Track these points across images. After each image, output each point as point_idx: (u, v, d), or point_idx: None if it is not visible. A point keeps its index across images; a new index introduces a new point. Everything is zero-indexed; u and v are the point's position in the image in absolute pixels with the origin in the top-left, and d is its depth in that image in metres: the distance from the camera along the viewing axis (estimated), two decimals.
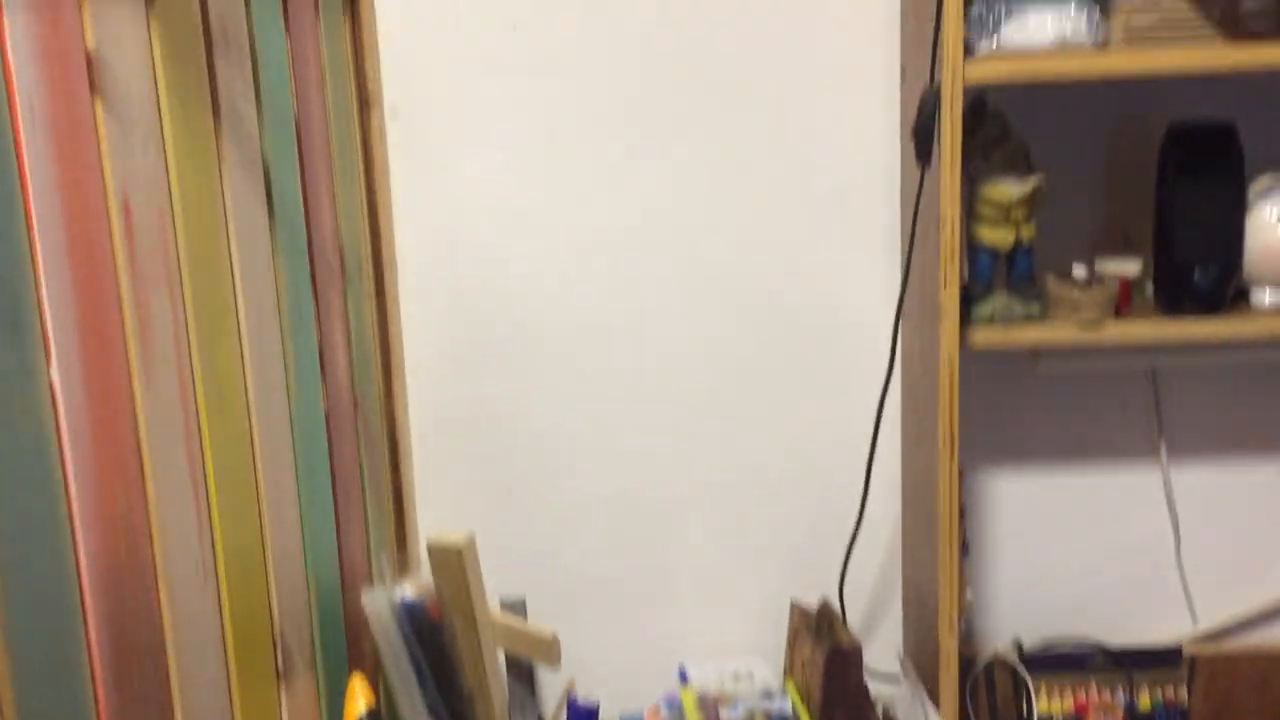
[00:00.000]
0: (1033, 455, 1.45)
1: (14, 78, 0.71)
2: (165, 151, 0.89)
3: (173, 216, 0.90)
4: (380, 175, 1.36)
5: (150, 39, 0.87)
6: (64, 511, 0.75)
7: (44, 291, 0.74)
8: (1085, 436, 1.44)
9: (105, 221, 0.81)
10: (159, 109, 0.88)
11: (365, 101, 1.33)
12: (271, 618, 1.06)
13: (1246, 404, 1.43)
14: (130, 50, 0.85)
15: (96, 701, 0.78)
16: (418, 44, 1.36)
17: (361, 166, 1.33)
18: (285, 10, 1.13)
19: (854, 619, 1.46)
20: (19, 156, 0.72)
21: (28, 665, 0.71)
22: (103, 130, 0.81)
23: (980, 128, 1.25)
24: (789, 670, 1.45)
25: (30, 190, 0.72)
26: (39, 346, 0.73)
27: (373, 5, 1.33)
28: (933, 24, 1.13)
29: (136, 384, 0.84)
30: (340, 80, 1.27)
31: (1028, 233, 1.27)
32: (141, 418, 0.84)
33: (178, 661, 0.88)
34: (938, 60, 1.13)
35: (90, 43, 0.80)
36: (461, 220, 1.39)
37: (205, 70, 0.95)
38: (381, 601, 1.29)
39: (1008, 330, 1.27)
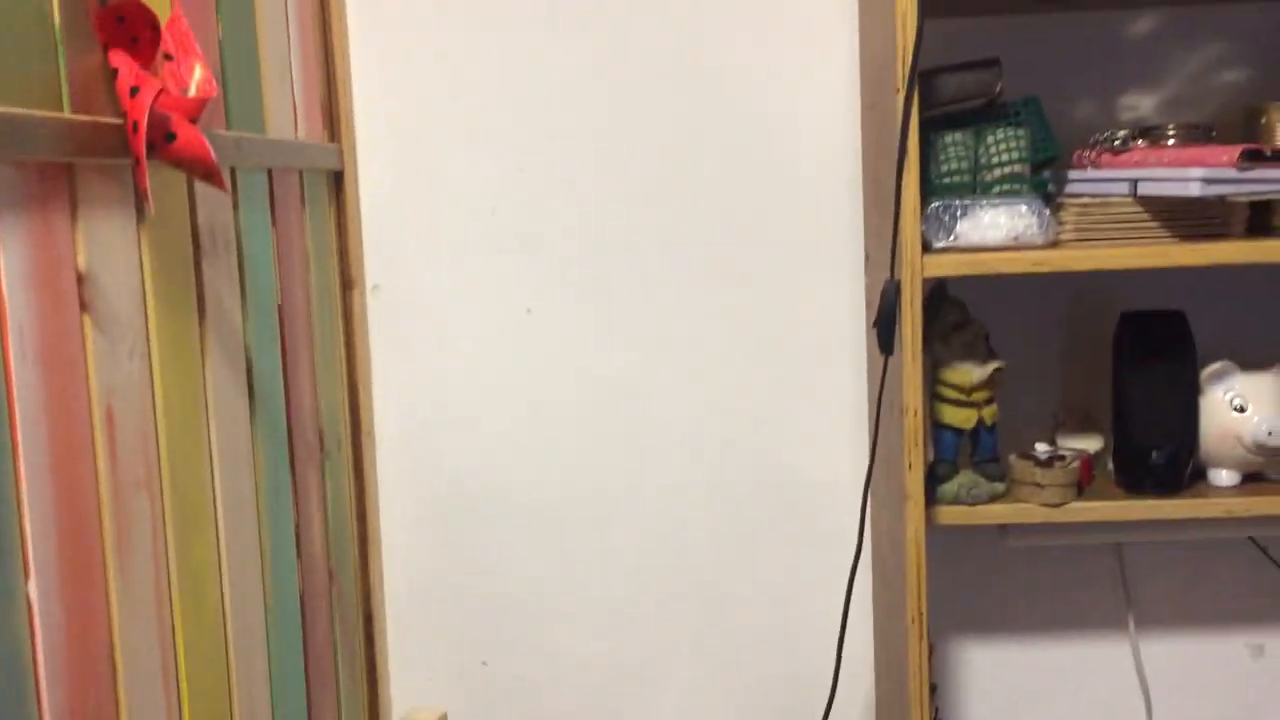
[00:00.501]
0: (1005, 627, 1.46)
1: (6, 302, 0.75)
2: (150, 358, 0.92)
3: (155, 419, 0.93)
4: (360, 351, 1.40)
5: (140, 253, 0.92)
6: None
7: (25, 509, 0.76)
8: (1055, 609, 1.46)
9: (89, 432, 0.84)
10: (146, 319, 0.92)
11: (348, 282, 1.37)
12: None
13: (1211, 577, 1.45)
14: (121, 266, 0.89)
15: None
16: (399, 227, 1.41)
17: (343, 344, 1.37)
18: (272, 205, 1.18)
19: None
20: (7, 379, 0.75)
21: None
22: (90, 346, 0.84)
23: (940, 313, 1.29)
24: None
25: (16, 411, 0.75)
26: (18, 563, 0.75)
27: (357, 193, 1.39)
28: (891, 221, 1.19)
29: (113, 588, 0.86)
30: (324, 264, 1.31)
31: (989, 414, 1.31)
32: (116, 621, 0.86)
33: None
34: (897, 256, 1.18)
35: (82, 263, 0.84)
36: (438, 393, 1.43)
37: (193, 274, 0.99)
38: None
39: (973, 509, 1.30)
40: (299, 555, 1.22)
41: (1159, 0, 1.34)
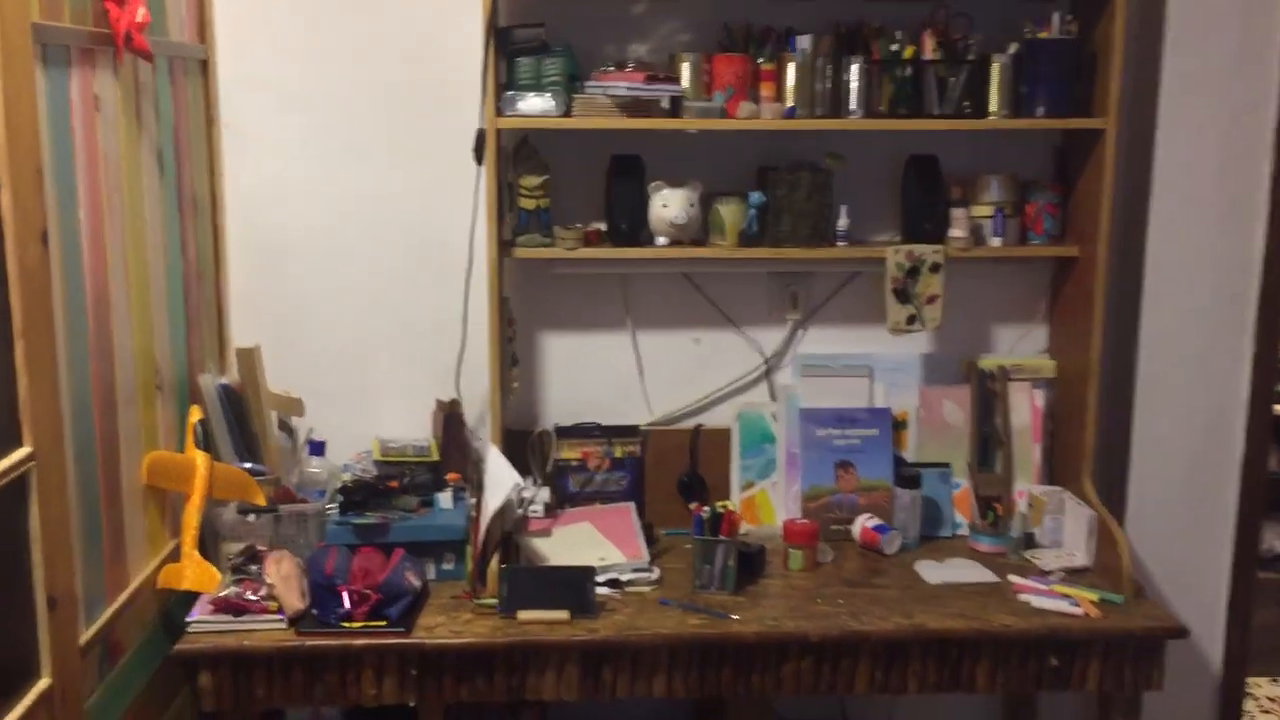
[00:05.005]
0: (559, 323, 2.76)
1: (74, 102, 1.92)
2: (121, 139, 2.10)
3: (124, 172, 2.10)
4: (217, 157, 2.59)
5: (118, 87, 2.09)
6: None
7: (81, 205, 1.95)
8: (588, 310, 2.75)
9: (98, 170, 2.01)
10: (120, 122, 2.09)
11: (210, 120, 2.56)
12: (156, 368, 2.26)
13: (670, 297, 2.75)
14: (110, 92, 2.06)
15: None
16: (239, 90, 2.59)
17: (207, 152, 2.55)
18: (171, 73, 2.34)
19: (469, 408, 2.73)
20: (71, 137, 1.92)
21: None
22: (97, 127, 2.01)
23: (519, 150, 2.55)
24: (433, 432, 2.71)
25: (77, 153, 1.93)
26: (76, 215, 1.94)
27: (216, 72, 2.57)
28: (480, 99, 2.43)
29: (107, 240, 2.04)
30: (197, 107, 2.49)
31: (545, 203, 2.57)
32: (109, 255, 2.05)
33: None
34: (484, 117, 2.42)
35: (95, 89, 2.01)
36: (262, 181, 2.64)
37: (135, 100, 2.16)
38: (209, 381, 2.50)
39: (535, 250, 2.57)
40: (184, 260, 2.41)
41: None
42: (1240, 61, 2.60)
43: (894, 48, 2.54)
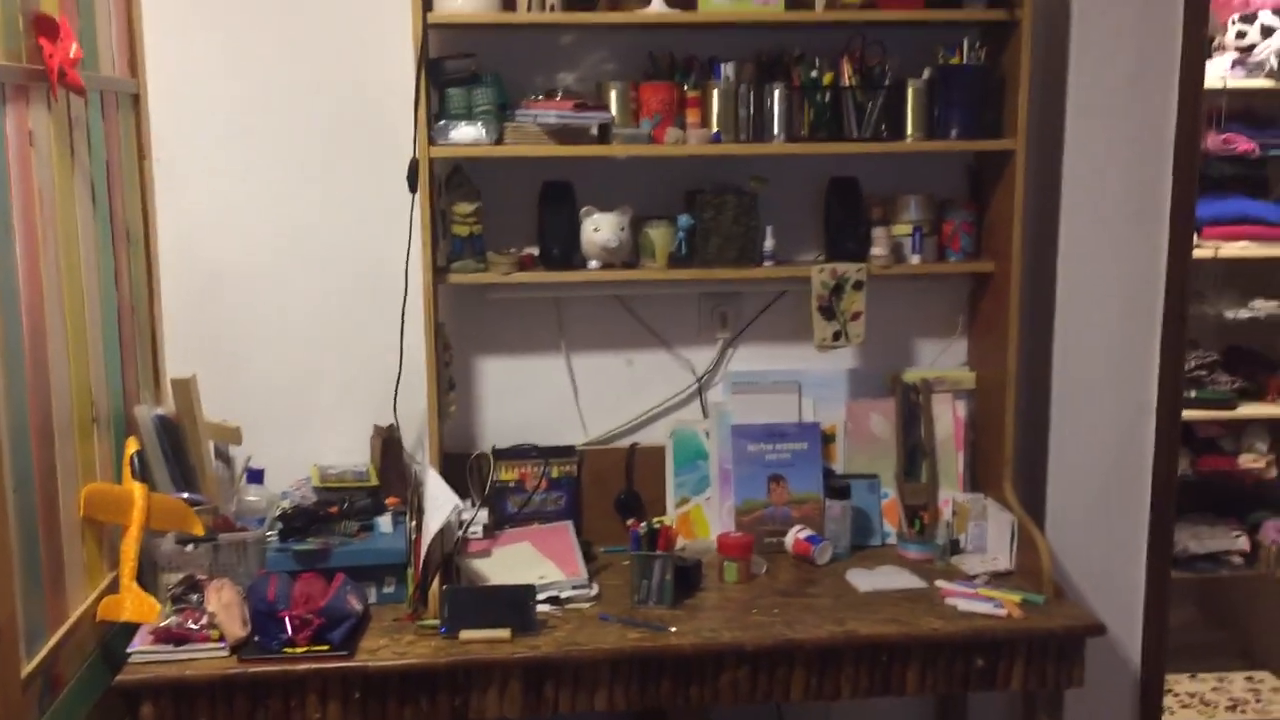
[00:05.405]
0: (495, 347, 2.81)
1: (9, 139, 1.94)
2: (54, 172, 2.11)
3: (57, 204, 2.11)
4: (149, 189, 2.60)
5: (50, 122, 2.10)
6: None
7: (16, 240, 1.96)
8: (523, 334, 2.81)
9: (35, 207, 2.02)
10: (53, 155, 2.10)
11: (142, 153, 2.57)
12: (92, 400, 2.26)
13: (601, 318, 2.81)
14: (44, 127, 2.08)
15: None
16: (169, 126, 2.61)
17: (139, 184, 2.56)
18: (102, 107, 2.36)
19: (407, 433, 2.76)
20: (7, 171, 1.94)
21: None
22: (32, 162, 2.03)
23: (451, 178, 2.60)
24: (372, 458, 2.74)
25: (12, 188, 1.94)
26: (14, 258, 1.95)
27: (147, 106, 2.58)
28: (412, 130, 2.48)
29: (43, 274, 2.05)
30: (128, 141, 2.51)
31: (478, 229, 2.62)
32: (44, 282, 2.06)
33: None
34: (418, 147, 2.47)
35: (29, 124, 2.02)
36: (191, 212, 2.65)
37: (69, 133, 2.18)
38: (145, 412, 2.51)
39: (469, 275, 2.62)
40: (117, 285, 2.42)
41: (574, 24, 2.66)
42: (1139, 83, 2.73)
43: (813, 74, 2.64)
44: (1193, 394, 3.21)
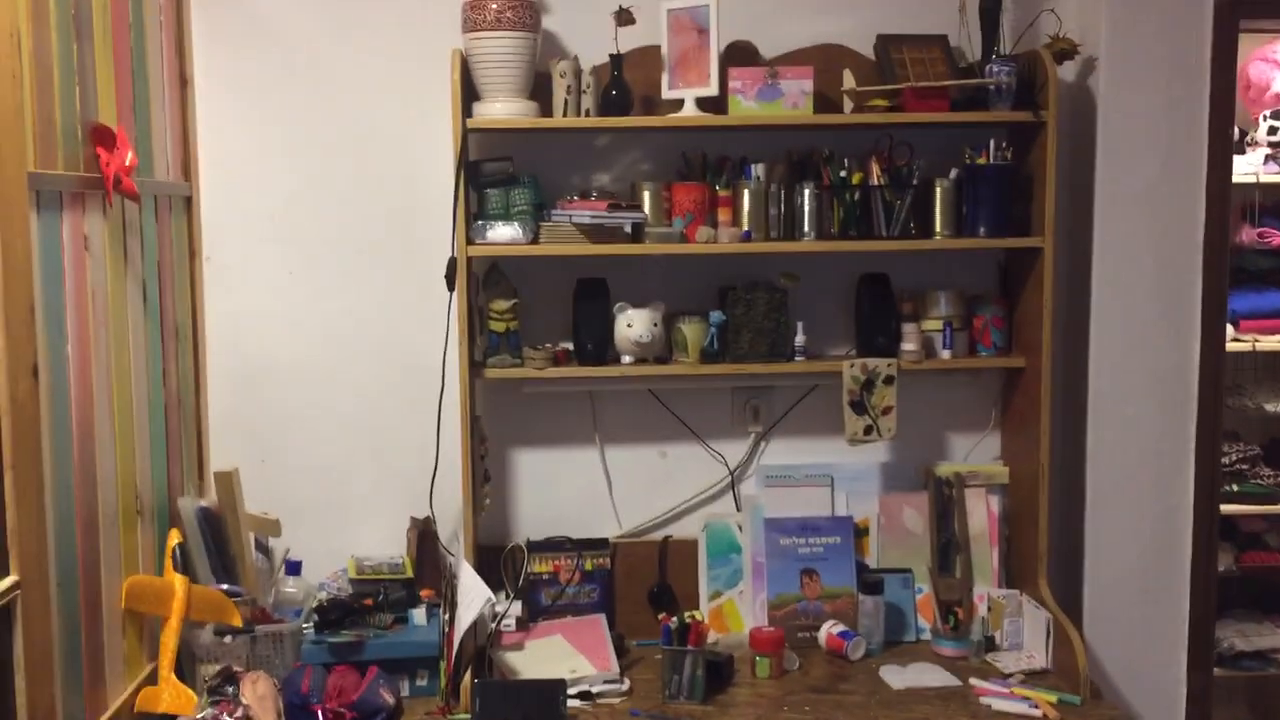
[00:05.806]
0: (530, 440, 2.85)
1: (66, 243, 2.03)
2: (107, 275, 2.20)
3: (109, 306, 2.20)
4: (199, 289, 2.69)
5: (106, 227, 2.20)
6: None
7: (70, 345, 2.04)
8: (558, 427, 2.85)
9: (89, 304, 2.11)
10: (107, 258, 2.20)
11: (193, 253, 2.67)
12: (137, 493, 2.33)
13: (635, 410, 2.86)
14: (99, 232, 2.17)
15: None
16: (221, 227, 2.72)
17: (189, 285, 2.66)
18: (156, 211, 2.46)
19: (443, 525, 2.80)
20: (63, 276, 2.02)
21: None
22: (88, 265, 2.12)
23: (489, 275, 2.68)
24: (408, 550, 2.77)
25: (67, 288, 2.03)
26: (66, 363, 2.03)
27: (200, 209, 2.69)
28: (451, 227, 2.56)
29: (94, 377, 2.13)
30: (180, 242, 2.61)
31: (514, 325, 2.69)
32: (95, 389, 2.14)
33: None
34: (456, 245, 2.55)
35: (85, 229, 2.12)
36: (242, 313, 2.74)
37: (123, 237, 2.27)
38: (188, 504, 2.57)
39: (505, 370, 2.68)
40: (164, 381, 2.50)
41: (608, 128, 2.74)
42: (1167, 179, 2.75)
43: (843, 174, 2.70)
44: (1234, 488, 3.17)
